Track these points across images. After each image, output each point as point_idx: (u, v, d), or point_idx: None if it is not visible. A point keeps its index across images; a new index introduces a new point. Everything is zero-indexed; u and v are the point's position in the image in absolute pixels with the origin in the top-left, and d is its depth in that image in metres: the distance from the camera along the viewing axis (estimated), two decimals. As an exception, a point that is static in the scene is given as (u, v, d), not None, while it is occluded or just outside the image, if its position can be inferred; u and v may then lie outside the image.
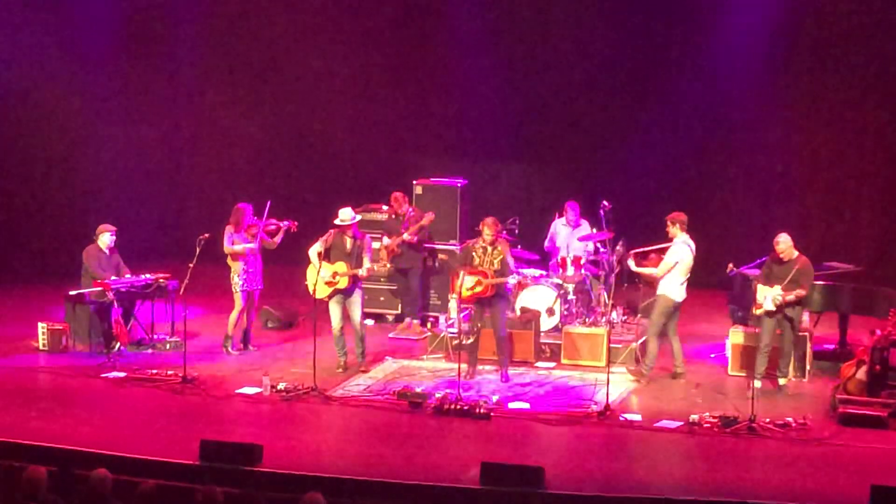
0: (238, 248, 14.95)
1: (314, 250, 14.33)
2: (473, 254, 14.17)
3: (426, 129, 19.70)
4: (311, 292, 14.16)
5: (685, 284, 14.13)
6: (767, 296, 13.50)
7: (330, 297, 14.35)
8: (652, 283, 14.32)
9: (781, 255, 13.58)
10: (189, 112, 20.53)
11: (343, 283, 14.32)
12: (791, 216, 18.32)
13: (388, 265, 16.02)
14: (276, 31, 19.85)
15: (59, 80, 19.44)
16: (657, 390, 13.91)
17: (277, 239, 15.24)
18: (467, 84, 19.48)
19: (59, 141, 19.62)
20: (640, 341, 14.76)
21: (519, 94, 19.35)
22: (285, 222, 15.24)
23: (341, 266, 14.31)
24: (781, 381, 13.78)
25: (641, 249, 14.40)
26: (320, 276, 14.20)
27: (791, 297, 13.42)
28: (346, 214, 14.43)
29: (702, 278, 14.59)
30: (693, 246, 14.09)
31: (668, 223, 14.11)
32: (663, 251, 14.16)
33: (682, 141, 18.74)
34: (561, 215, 16.31)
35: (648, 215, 15.92)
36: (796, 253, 13.61)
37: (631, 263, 14.31)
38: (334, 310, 14.41)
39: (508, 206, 17.36)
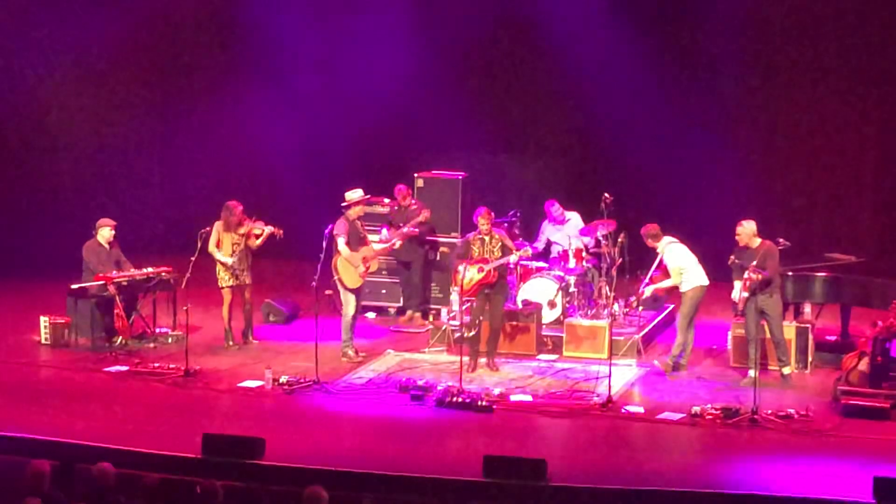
0: (219, 257, 14.82)
1: (343, 242, 14.31)
2: (472, 247, 14.20)
3: (428, 122, 19.64)
4: (349, 284, 14.31)
5: (699, 266, 14.16)
6: (740, 288, 13.50)
7: (359, 287, 14.49)
8: (675, 289, 14.36)
9: (743, 244, 13.59)
10: (192, 107, 20.49)
11: (375, 265, 14.61)
12: (793, 208, 18.34)
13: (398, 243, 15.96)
14: (278, 28, 19.81)
15: (62, 75, 19.44)
16: (659, 382, 13.91)
17: (260, 242, 15.07)
18: (469, 77, 19.45)
19: (61, 135, 19.59)
20: (642, 334, 14.81)
21: (520, 87, 19.31)
22: (270, 227, 15.04)
23: (368, 250, 14.42)
24: (785, 371, 13.76)
25: (648, 276, 14.40)
26: (355, 267, 14.30)
27: (755, 275, 13.34)
28: (356, 192, 14.47)
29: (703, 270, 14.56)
30: (676, 240, 14.18)
31: (645, 239, 14.24)
32: (660, 266, 14.24)
33: (684, 133, 18.69)
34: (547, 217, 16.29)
35: (650, 207, 15.91)
36: (759, 240, 13.61)
37: (649, 290, 14.33)
38: (352, 299, 14.43)
39: (509, 199, 17.35)
